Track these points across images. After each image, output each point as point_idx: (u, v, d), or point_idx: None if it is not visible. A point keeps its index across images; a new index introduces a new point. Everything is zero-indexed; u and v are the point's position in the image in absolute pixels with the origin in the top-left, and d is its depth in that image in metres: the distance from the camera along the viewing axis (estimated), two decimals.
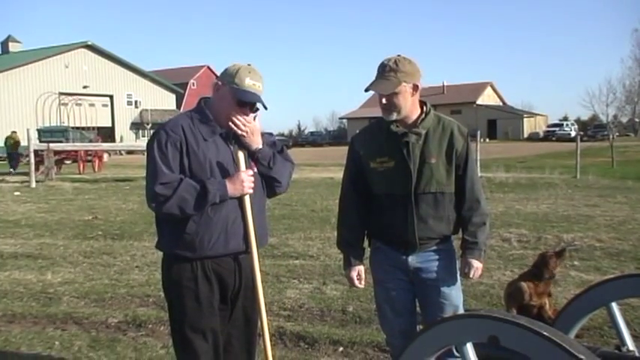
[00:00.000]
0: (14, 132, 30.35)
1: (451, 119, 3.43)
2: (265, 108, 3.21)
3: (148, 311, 5.92)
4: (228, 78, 3.15)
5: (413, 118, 3.31)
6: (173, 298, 3.24)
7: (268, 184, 3.34)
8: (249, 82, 3.12)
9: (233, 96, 3.13)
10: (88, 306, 6.22)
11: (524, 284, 5.31)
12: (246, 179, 3.12)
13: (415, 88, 3.26)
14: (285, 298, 6.24)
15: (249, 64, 3.19)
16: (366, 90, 3.30)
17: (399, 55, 3.29)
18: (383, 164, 3.31)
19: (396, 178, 3.27)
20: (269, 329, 3.36)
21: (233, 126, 3.15)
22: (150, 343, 5.11)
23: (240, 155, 3.19)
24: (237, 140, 3.21)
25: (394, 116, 3.27)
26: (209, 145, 3.13)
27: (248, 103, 3.16)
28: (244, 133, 3.17)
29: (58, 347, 5.07)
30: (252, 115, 3.22)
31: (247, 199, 3.17)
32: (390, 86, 3.22)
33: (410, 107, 3.28)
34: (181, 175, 3.06)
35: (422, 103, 3.37)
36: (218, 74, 3.36)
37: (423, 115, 3.32)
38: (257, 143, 3.23)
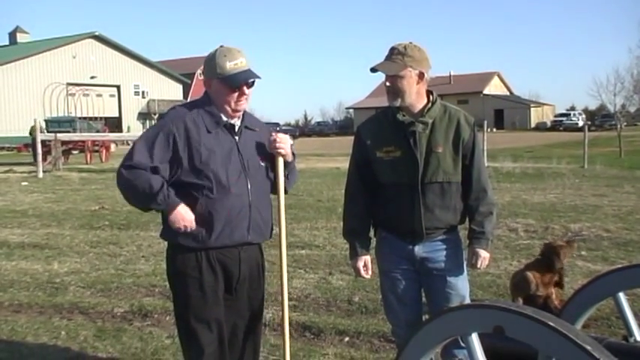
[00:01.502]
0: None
1: (458, 108, 3.41)
2: (259, 77, 3.19)
3: (154, 301, 5.94)
4: (211, 71, 3.14)
5: (419, 107, 3.29)
6: (177, 287, 3.24)
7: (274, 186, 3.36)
8: (230, 65, 3.10)
9: (224, 86, 3.12)
10: (94, 296, 6.24)
11: (529, 274, 5.27)
12: (183, 220, 3.09)
13: (421, 75, 3.24)
14: (291, 288, 6.22)
15: (221, 46, 3.17)
16: (372, 69, 3.28)
17: (410, 42, 3.28)
18: (389, 154, 3.29)
19: (402, 167, 3.26)
20: (283, 321, 3.38)
21: (278, 151, 3.24)
22: (155, 333, 5.12)
23: (280, 161, 3.27)
24: (241, 133, 3.22)
25: (398, 102, 3.25)
26: (211, 137, 3.13)
27: (241, 85, 3.15)
28: (286, 151, 3.26)
29: (64, 337, 5.09)
30: (283, 134, 3.30)
31: (282, 191, 3.29)
32: (395, 68, 3.21)
33: (415, 95, 3.26)
34: (153, 163, 3.06)
35: (428, 93, 3.35)
36: None
37: (430, 105, 3.30)
38: (290, 157, 3.33)
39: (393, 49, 3.25)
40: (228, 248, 3.17)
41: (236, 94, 3.13)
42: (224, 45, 3.18)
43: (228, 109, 3.16)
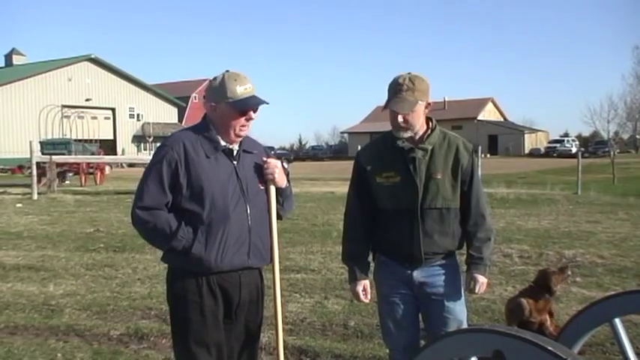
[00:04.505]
0: None
1: (456, 135, 3.46)
2: (267, 103, 3.22)
3: (150, 324, 5.92)
4: (220, 95, 3.14)
5: (419, 134, 3.34)
6: (177, 311, 3.23)
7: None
8: (241, 90, 3.12)
9: (233, 110, 3.13)
10: (90, 318, 6.23)
11: (523, 300, 5.30)
12: None
13: (427, 106, 3.33)
14: (287, 312, 6.22)
15: (227, 71, 3.19)
16: (385, 108, 3.31)
17: (410, 73, 3.31)
18: (389, 179, 3.33)
19: (402, 193, 3.30)
20: (280, 346, 3.39)
21: (267, 177, 3.23)
22: (152, 356, 5.11)
23: (272, 189, 3.27)
24: (240, 157, 3.23)
25: (408, 134, 3.30)
26: (210, 162, 3.13)
27: (250, 109, 3.18)
28: (274, 177, 3.24)
29: (60, 359, 5.07)
30: (274, 160, 3.28)
31: (274, 217, 3.26)
32: (409, 105, 3.25)
33: (420, 124, 3.32)
34: (168, 197, 3.09)
35: (428, 120, 3.40)
36: None
37: (429, 131, 3.35)
38: (283, 183, 3.31)
39: (401, 85, 3.25)
40: (228, 273, 3.17)
41: (243, 118, 3.15)
42: (230, 70, 3.19)
43: (231, 133, 3.17)
